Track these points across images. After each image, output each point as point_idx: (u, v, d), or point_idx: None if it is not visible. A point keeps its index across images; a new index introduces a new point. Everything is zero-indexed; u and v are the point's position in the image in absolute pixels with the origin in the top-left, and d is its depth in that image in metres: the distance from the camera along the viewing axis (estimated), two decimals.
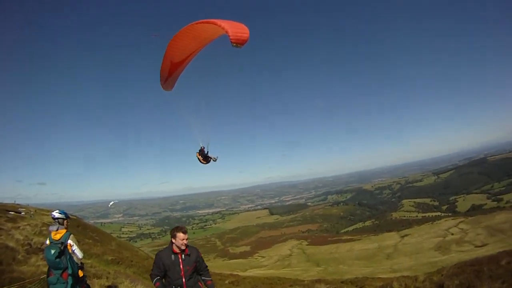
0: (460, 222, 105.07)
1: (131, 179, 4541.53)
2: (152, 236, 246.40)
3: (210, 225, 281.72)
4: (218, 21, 10.61)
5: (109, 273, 14.81)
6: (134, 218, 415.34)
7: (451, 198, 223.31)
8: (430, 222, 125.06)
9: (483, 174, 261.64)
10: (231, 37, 10.05)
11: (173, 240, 6.13)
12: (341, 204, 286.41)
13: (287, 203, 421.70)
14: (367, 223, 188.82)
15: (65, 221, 7.67)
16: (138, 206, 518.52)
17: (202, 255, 6.66)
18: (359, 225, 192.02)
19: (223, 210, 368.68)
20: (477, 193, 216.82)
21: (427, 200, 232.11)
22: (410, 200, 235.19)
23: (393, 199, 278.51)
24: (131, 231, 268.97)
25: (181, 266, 6.08)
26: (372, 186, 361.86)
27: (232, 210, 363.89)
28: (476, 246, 71.48)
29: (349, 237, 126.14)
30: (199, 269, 6.39)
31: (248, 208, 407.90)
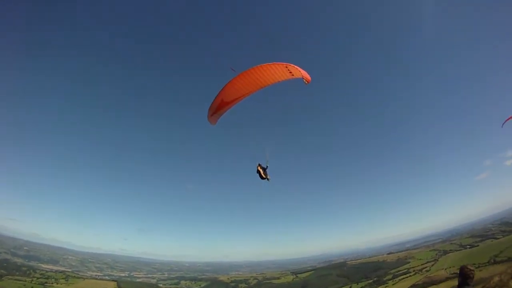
0: None
1: None
2: None
3: (52, 283, 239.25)
4: (294, 67, 17.86)
5: None
6: None
7: None
8: None
9: (342, 276, 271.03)
10: (305, 78, 18.04)
11: None
12: None
13: (138, 279, 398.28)
14: None
15: None
16: None
17: None
18: None
19: (68, 271, 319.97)
20: None
21: None
22: None
23: None
24: None
25: None
26: (228, 278, 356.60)
27: (78, 274, 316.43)
28: None
29: None
30: None
31: (96, 276, 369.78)
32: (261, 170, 18.95)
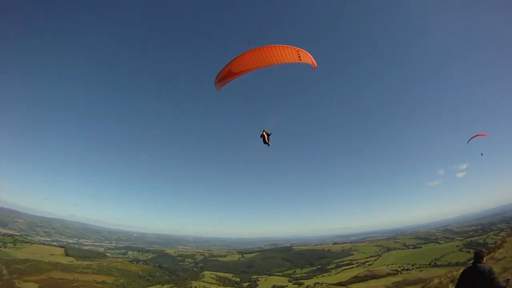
0: None
1: None
2: None
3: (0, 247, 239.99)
4: (304, 53, 19.84)
5: None
6: None
7: (253, 277, 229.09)
8: None
9: (287, 260, 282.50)
10: (314, 64, 20.41)
11: None
12: (141, 262, 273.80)
13: (85, 247, 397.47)
14: (165, 287, 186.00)
15: None
16: None
17: None
18: (157, 287, 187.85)
19: (16, 235, 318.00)
20: (279, 275, 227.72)
21: (229, 275, 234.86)
22: (212, 272, 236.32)
23: (195, 269, 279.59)
24: None
25: None
26: (175, 252, 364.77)
27: (26, 239, 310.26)
28: None
29: None
30: None
31: (44, 241, 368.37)
32: (265, 135, 21.09)
